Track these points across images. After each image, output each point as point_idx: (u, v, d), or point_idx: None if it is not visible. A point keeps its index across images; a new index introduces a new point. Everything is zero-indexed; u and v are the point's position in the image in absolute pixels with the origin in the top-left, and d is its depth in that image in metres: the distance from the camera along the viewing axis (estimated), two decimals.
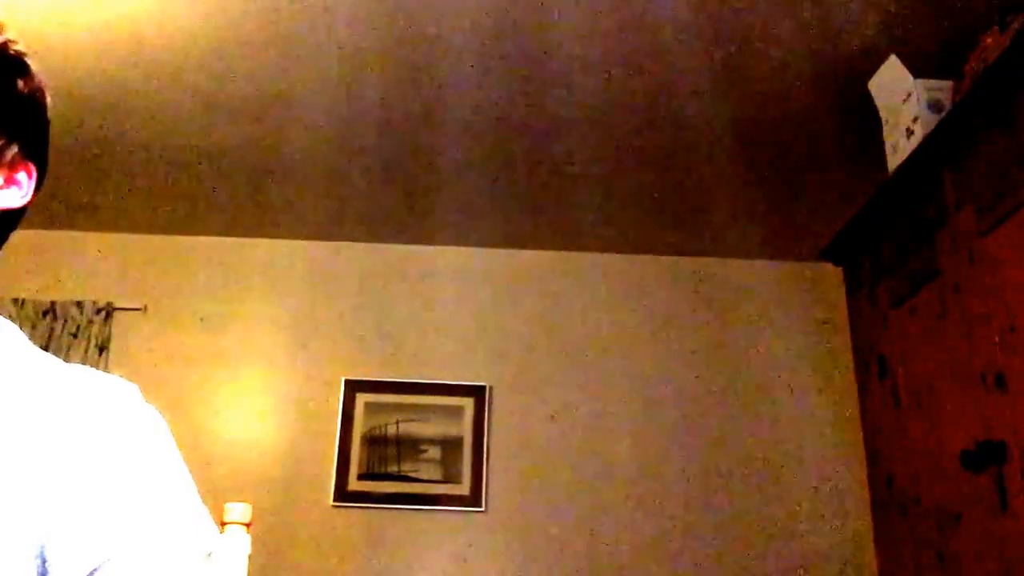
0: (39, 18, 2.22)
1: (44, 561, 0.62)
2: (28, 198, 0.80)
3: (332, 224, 3.46)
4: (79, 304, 3.39)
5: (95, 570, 0.63)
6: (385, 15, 2.24)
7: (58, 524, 0.63)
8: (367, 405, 3.39)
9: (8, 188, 0.78)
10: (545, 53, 2.37)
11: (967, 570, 1.83)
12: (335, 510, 3.25)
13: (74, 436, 0.68)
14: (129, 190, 3.22)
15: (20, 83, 0.78)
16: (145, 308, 3.46)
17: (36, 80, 0.81)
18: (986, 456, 1.74)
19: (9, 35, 0.78)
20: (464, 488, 3.29)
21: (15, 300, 3.33)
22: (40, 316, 3.34)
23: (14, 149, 0.78)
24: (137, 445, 0.71)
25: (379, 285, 3.57)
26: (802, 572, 3.18)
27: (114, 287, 3.47)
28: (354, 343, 3.48)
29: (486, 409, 3.38)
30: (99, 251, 3.53)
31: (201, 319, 3.48)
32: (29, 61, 0.80)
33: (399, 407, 3.38)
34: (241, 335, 3.48)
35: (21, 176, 0.79)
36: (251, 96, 2.61)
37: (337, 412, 3.36)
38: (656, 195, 3.14)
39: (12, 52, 0.78)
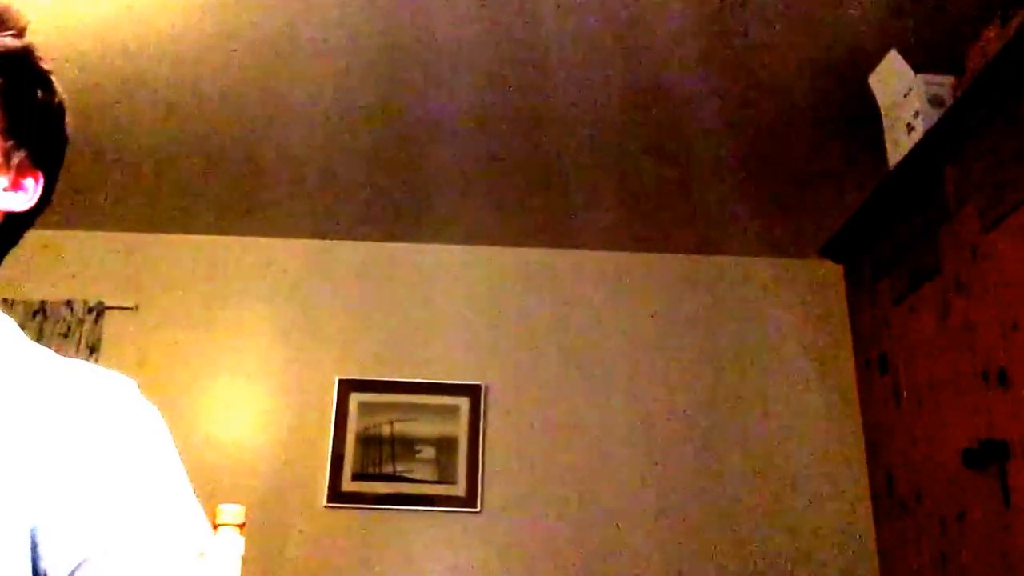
0: (32, 17, 2.19)
1: (36, 547, 0.63)
2: (31, 204, 0.81)
3: (325, 222, 3.44)
4: (69, 303, 3.36)
5: (85, 561, 0.64)
6: (379, 11, 2.22)
7: (51, 512, 0.64)
8: (361, 405, 3.36)
9: (15, 192, 0.80)
10: (542, 49, 2.36)
11: (969, 569, 1.82)
12: (329, 511, 3.23)
13: (71, 428, 0.68)
14: (120, 189, 3.19)
15: (39, 93, 0.81)
16: (136, 307, 3.44)
17: (57, 96, 0.84)
18: (988, 454, 1.73)
19: (38, 52, 0.81)
20: (459, 489, 3.27)
21: (5, 300, 3.29)
22: (30, 316, 3.31)
23: (22, 154, 0.79)
24: (134, 440, 0.72)
25: (373, 283, 3.55)
26: (803, 571, 3.17)
27: (105, 286, 3.45)
28: (348, 342, 3.46)
29: (482, 408, 3.36)
30: (90, 250, 3.51)
31: (193, 318, 3.45)
32: (53, 78, 0.83)
33: (393, 407, 3.36)
34: (233, 334, 3.45)
35: (28, 182, 0.81)
36: (244, 93, 2.58)
37: (331, 412, 3.34)
38: (654, 192, 3.12)
39: (37, 65, 0.81)
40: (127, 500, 0.68)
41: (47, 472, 0.65)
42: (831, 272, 2.74)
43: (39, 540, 0.63)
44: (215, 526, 1.21)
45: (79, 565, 0.63)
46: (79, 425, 0.69)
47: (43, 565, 0.63)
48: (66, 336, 3.31)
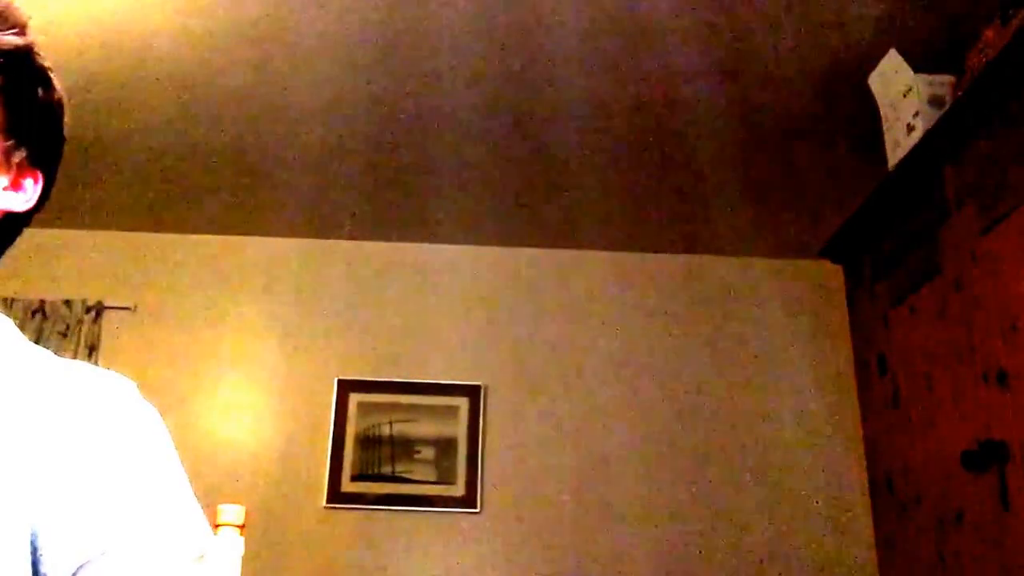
0: (32, 15, 2.19)
1: (36, 550, 0.62)
2: (31, 204, 0.81)
3: (325, 222, 3.44)
4: (68, 303, 3.36)
5: (86, 563, 0.63)
6: (378, 9, 2.21)
7: (51, 514, 0.63)
8: (360, 405, 3.36)
9: (15, 192, 0.79)
10: (542, 48, 2.35)
11: (968, 571, 1.82)
12: (328, 511, 3.22)
13: (71, 429, 0.68)
14: (119, 188, 3.19)
15: (40, 92, 0.81)
16: (135, 307, 3.43)
17: (57, 94, 0.83)
18: (988, 456, 1.72)
19: (38, 50, 0.80)
20: (459, 489, 3.27)
21: (4, 299, 3.29)
22: (29, 315, 3.30)
23: (22, 153, 0.79)
24: (133, 441, 0.71)
25: (373, 283, 3.54)
26: (802, 571, 3.17)
27: (104, 286, 3.44)
28: (347, 342, 3.46)
29: (481, 409, 3.36)
30: (89, 249, 3.50)
31: (192, 318, 3.45)
32: (53, 76, 0.82)
33: (393, 407, 3.36)
34: (233, 334, 3.44)
35: (27, 182, 0.80)
36: (242, 92, 2.58)
37: (330, 412, 3.33)
38: (654, 192, 3.12)
39: (38, 64, 0.80)
40: (127, 502, 0.67)
41: (47, 474, 0.65)
42: (831, 272, 2.74)
43: (39, 543, 0.63)
44: (215, 526, 1.21)
45: (80, 568, 0.63)
46: (79, 427, 0.69)
47: (43, 569, 0.62)
48: (65, 336, 3.30)
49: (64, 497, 0.65)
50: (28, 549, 0.62)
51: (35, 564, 0.62)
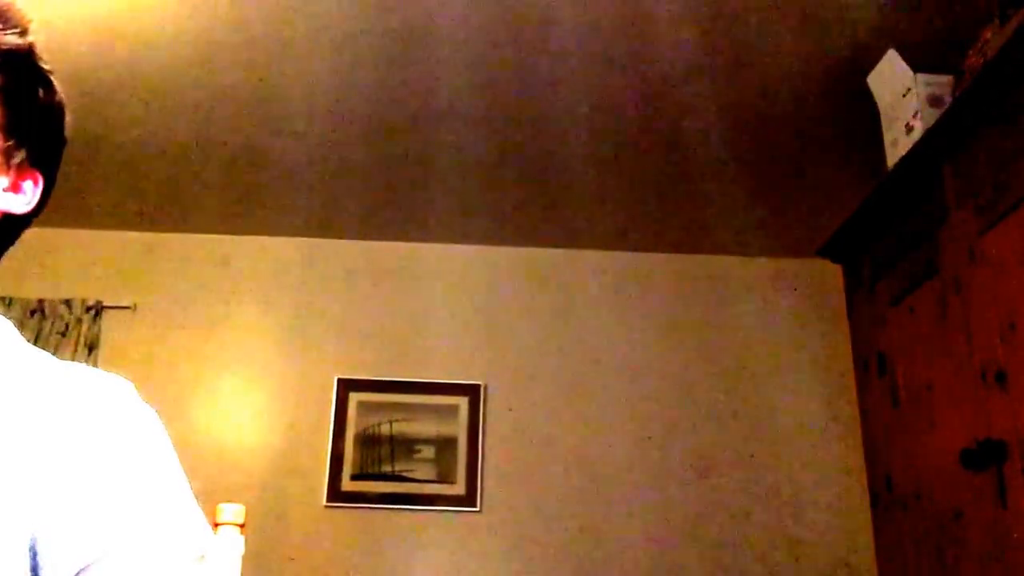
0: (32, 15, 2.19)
1: (35, 555, 0.62)
2: (31, 206, 0.81)
3: (324, 221, 3.44)
4: (68, 303, 3.36)
5: (86, 567, 0.63)
6: (378, 9, 2.21)
7: (51, 518, 0.63)
8: (360, 404, 3.36)
9: (15, 193, 0.79)
10: (541, 47, 2.36)
11: (967, 569, 1.82)
12: (328, 510, 3.23)
13: (69, 431, 0.68)
14: (119, 187, 3.19)
15: (40, 93, 0.81)
16: (135, 306, 3.43)
17: (57, 96, 0.83)
18: (986, 455, 1.72)
19: (40, 51, 0.81)
20: (459, 488, 3.27)
21: (3, 299, 3.29)
22: (28, 315, 3.30)
23: (22, 154, 0.79)
24: (132, 443, 0.71)
25: (372, 283, 3.54)
26: (801, 570, 3.17)
27: (103, 285, 3.44)
28: (347, 342, 3.46)
29: (481, 408, 3.36)
30: (89, 249, 3.50)
31: (191, 317, 3.44)
32: (54, 78, 0.82)
33: (393, 406, 3.36)
34: (232, 334, 3.44)
35: (27, 184, 0.80)
36: (242, 91, 2.58)
37: (330, 411, 3.33)
38: (653, 191, 3.12)
39: (39, 65, 0.81)
40: (127, 504, 0.67)
41: (46, 478, 0.64)
42: (830, 272, 2.74)
43: (39, 549, 0.62)
44: (215, 526, 1.21)
45: (80, 571, 0.63)
46: (77, 429, 0.68)
47: (43, 574, 0.62)
48: (64, 335, 3.30)
49: (63, 500, 0.64)
50: (28, 554, 0.62)
51: (34, 569, 0.62)
